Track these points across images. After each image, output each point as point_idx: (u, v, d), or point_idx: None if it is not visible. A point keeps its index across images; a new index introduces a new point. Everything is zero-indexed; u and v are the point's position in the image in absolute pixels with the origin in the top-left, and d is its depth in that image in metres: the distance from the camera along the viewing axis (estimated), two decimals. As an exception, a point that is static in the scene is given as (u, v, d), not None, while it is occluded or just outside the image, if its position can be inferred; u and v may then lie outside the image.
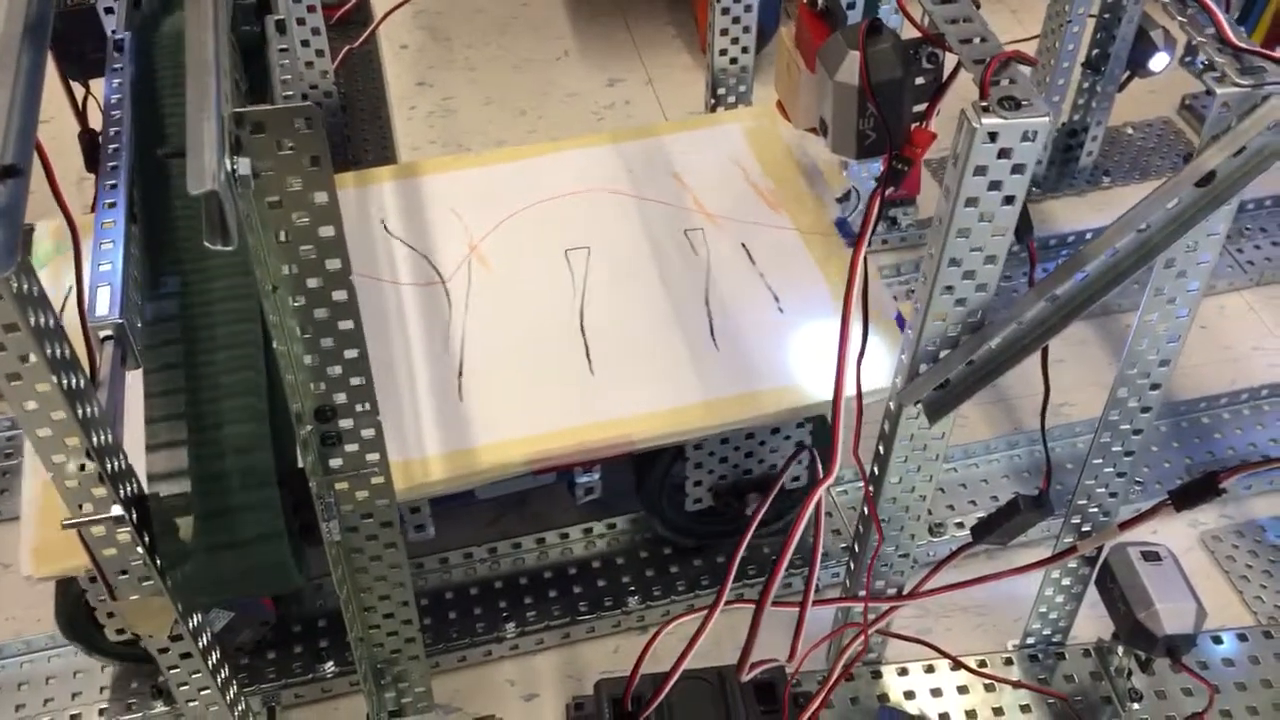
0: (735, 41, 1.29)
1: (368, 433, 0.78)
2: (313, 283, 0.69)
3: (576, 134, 1.70)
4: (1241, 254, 1.50)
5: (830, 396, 1.01)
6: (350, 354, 0.73)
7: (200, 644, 0.86)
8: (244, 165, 0.60)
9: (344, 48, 1.70)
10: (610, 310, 1.11)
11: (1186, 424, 1.32)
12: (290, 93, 0.99)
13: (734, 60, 1.31)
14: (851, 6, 1.12)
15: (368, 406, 0.76)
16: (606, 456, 1.03)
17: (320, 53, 1.24)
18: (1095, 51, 1.49)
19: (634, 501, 1.18)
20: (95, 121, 1.13)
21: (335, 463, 0.79)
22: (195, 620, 0.85)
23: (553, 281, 1.13)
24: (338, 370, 0.74)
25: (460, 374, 1.05)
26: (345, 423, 0.77)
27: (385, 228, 1.18)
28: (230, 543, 0.75)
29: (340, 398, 0.75)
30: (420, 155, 1.68)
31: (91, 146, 1.17)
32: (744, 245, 1.17)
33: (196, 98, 0.61)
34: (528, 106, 1.77)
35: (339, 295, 0.70)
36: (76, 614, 1.02)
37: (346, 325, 0.72)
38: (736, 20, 1.28)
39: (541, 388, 1.04)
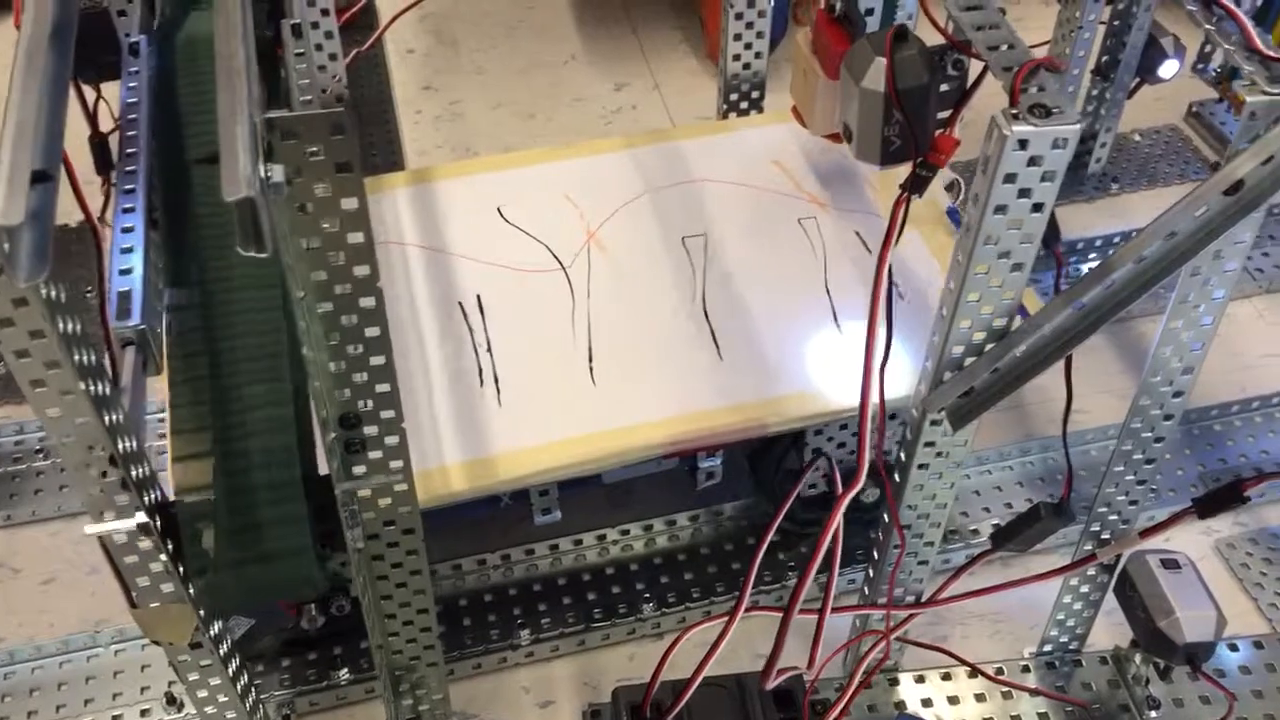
0: (749, 47, 1.29)
1: (391, 440, 0.77)
2: (340, 289, 0.69)
3: (586, 138, 1.70)
4: (1250, 261, 1.50)
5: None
6: (376, 360, 0.73)
7: (220, 652, 0.85)
8: (277, 172, 0.60)
9: (350, 51, 1.69)
10: (733, 296, 1.12)
11: (1199, 431, 1.32)
12: (308, 97, 0.98)
13: (747, 65, 1.31)
14: (870, 13, 1.12)
15: (393, 414, 0.76)
16: (738, 440, 1.04)
17: (333, 56, 1.24)
18: (1105, 58, 1.49)
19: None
20: (101, 126, 1.13)
21: (359, 469, 0.78)
22: (215, 628, 0.85)
23: (673, 268, 1.15)
24: (364, 377, 0.73)
25: (590, 359, 1.06)
26: (370, 429, 0.76)
27: (502, 215, 1.19)
28: (256, 556, 0.74)
29: (365, 404, 0.75)
30: (428, 160, 1.68)
31: (101, 150, 1.16)
32: (858, 233, 1.17)
33: (228, 104, 0.61)
34: (536, 110, 1.77)
35: (366, 302, 0.69)
36: None
37: (373, 332, 0.71)
38: (750, 25, 1.27)
39: (673, 373, 1.06)
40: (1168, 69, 1.45)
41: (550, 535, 1.20)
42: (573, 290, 1.13)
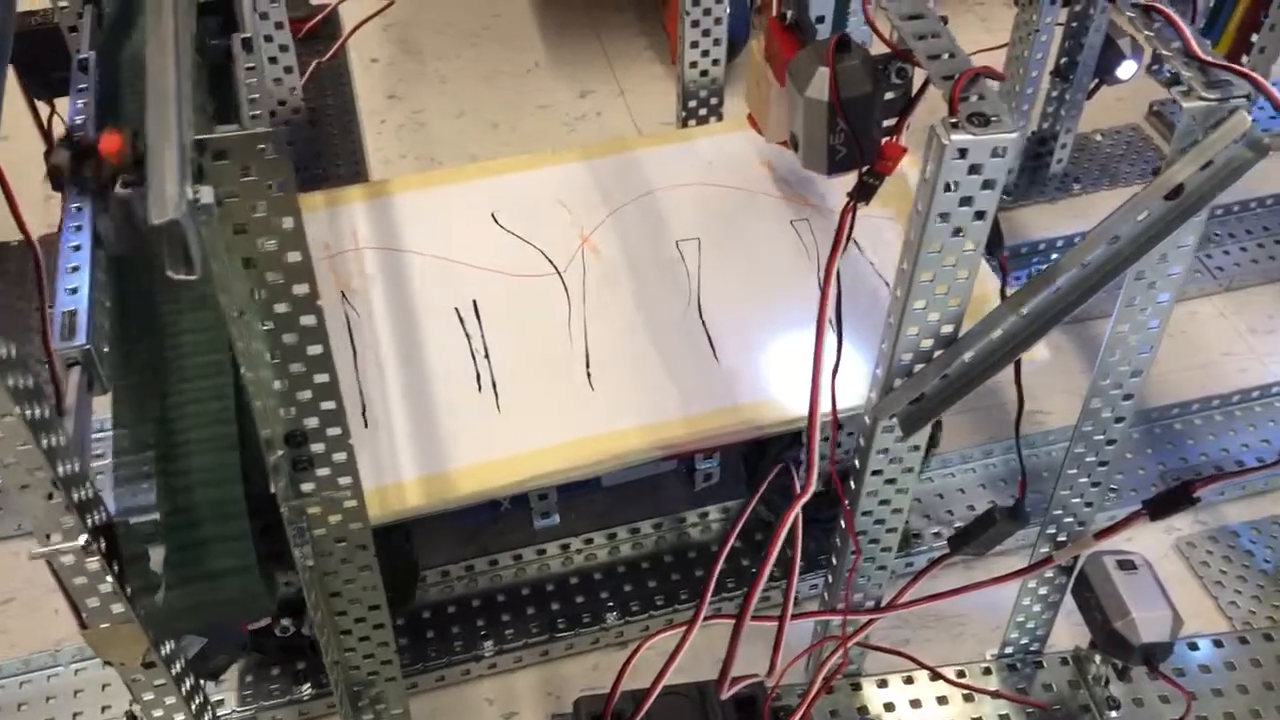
0: (705, 54, 1.29)
1: (339, 457, 0.77)
2: (280, 308, 0.69)
3: (550, 145, 1.70)
4: (1211, 259, 1.51)
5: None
6: (320, 378, 0.73)
7: (174, 671, 0.85)
8: (206, 193, 0.60)
9: (312, 62, 1.69)
10: (728, 299, 1.13)
11: (1160, 430, 1.32)
12: (257, 112, 0.97)
13: (704, 72, 1.31)
14: (821, 20, 1.12)
15: (339, 431, 0.76)
16: (735, 442, 1.05)
17: (288, 69, 1.23)
18: (1064, 60, 1.50)
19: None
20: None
21: (307, 487, 0.78)
22: (168, 647, 0.85)
23: (667, 272, 1.15)
24: (308, 395, 0.73)
25: (588, 364, 1.07)
26: (317, 447, 0.76)
27: (496, 220, 1.19)
28: (202, 575, 0.74)
29: (311, 422, 0.75)
30: (392, 169, 1.68)
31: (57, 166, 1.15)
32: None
33: (157, 125, 0.60)
34: (500, 119, 1.76)
35: (307, 320, 0.69)
36: None
37: (316, 350, 0.71)
38: (706, 33, 1.27)
39: (670, 376, 1.07)
40: (1125, 70, 1.46)
41: (518, 544, 1.20)
42: (569, 295, 1.13)
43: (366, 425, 1.02)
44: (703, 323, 1.11)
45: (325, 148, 1.64)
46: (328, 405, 0.74)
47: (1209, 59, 0.74)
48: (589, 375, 1.07)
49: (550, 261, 1.16)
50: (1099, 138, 1.69)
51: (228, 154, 0.62)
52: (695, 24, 1.26)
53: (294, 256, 0.66)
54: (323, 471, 0.78)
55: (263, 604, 0.76)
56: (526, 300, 1.13)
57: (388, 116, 1.77)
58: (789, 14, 1.03)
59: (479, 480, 1.00)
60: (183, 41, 0.68)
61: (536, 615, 1.15)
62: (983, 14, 1.95)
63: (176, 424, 0.77)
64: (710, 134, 1.32)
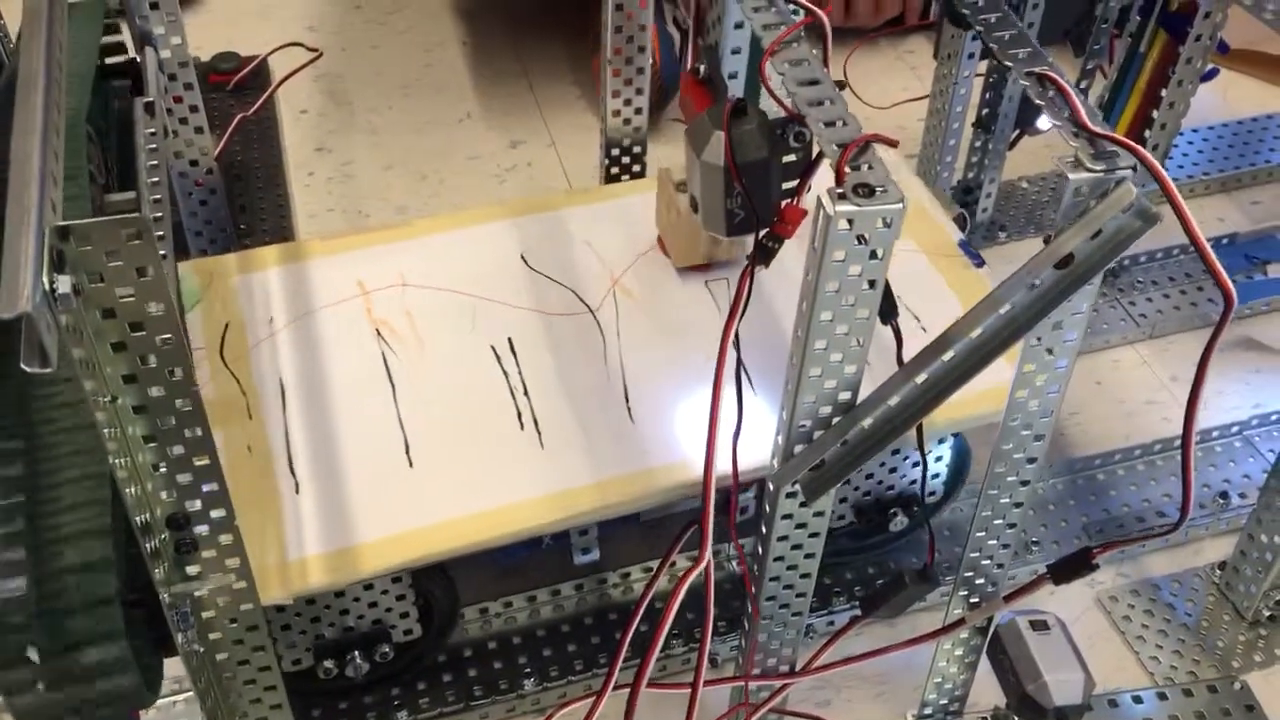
0: (628, 103, 1.29)
1: (225, 539, 0.75)
2: (155, 392, 0.67)
3: (477, 198, 1.69)
4: (1134, 306, 1.52)
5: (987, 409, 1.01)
6: (200, 461, 0.71)
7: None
8: (64, 283, 0.58)
9: (239, 114, 1.67)
10: (765, 333, 1.12)
11: (1083, 481, 1.32)
12: (157, 179, 0.96)
13: (627, 121, 1.31)
14: (734, 76, 1.12)
15: (224, 513, 0.74)
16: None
17: (199, 129, 1.21)
18: (984, 111, 1.51)
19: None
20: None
21: (193, 570, 0.76)
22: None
23: (698, 309, 1.15)
24: (188, 478, 0.72)
25: (627, 399, 1.06)
26: (201, 529, 0.74)
27: (525, 261, 1.20)
28: (74, 668, 0.71)
29: (194, 505, 0.73)
30: (318, 223, 1.66)
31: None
32: None
33: (16, 212, 0.59)
34: (429, 170, 1.75)
35: (182, 404, 0.68)
36: None
37: (194, 433, 0.69)
38: (629, 82, 1.27)
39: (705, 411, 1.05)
40: (1045, 121, 1.46)
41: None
42: (602, 333, 1.13)
43: (412, 465, 1.02)
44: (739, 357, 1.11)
45: (250, 202, 1.62)
46: (209, 487, 0.72)
47: (1098, 130, 0.74)
48: (629, 410, 1.06)
49: (582, 300, 1.16)
50: (1025, 185, 1.71)
51: (90, 240, 0.60)
52: (617, 73, 1.26)
53: (165, 341, 0.65)
54: (209, 553, 0.76)
55: (141, 697, 0.74)
56: (556, 338, 1.13)
57: (316, 169, 1.75)
58: (701, 69, 1.03)
59: (529, 517, 0.99)
60: (53, 122, 0.67)
61: (453, 683, 1.13)
62: (913, 62, 1.97)
63: (46, 507, 0.74)
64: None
